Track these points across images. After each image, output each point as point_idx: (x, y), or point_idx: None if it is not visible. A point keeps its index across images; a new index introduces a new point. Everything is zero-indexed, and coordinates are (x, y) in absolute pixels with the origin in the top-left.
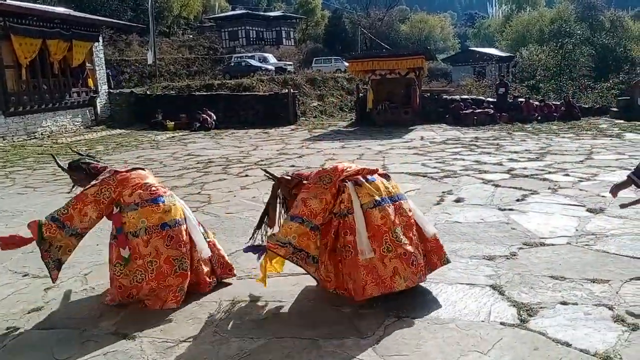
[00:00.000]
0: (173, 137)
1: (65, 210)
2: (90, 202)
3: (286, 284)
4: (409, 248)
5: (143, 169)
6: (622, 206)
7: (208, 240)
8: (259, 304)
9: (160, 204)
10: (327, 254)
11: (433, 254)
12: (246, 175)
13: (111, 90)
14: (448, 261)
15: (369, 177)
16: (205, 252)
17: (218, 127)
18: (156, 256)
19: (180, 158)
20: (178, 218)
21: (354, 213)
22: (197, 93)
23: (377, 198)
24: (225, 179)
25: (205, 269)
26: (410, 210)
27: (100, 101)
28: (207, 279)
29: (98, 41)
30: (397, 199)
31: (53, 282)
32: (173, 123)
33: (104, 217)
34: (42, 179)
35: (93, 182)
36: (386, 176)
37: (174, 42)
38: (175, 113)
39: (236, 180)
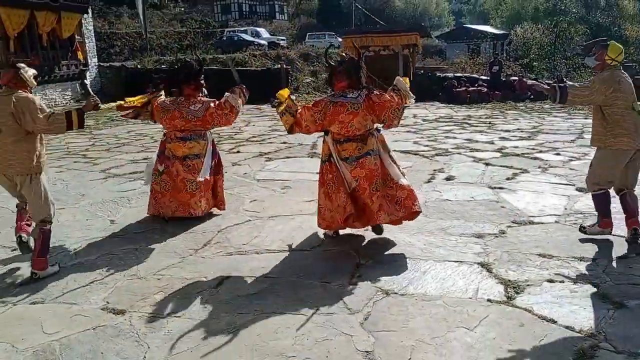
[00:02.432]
0: None
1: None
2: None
3: (275, 260)
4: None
5: None
6: None
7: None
8: (248, 279)
9: (187, 142)
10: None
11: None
12: (238, 152)
13: (101, 64)
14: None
15: (342, 136)
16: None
17: None
18: (176, 175)
19: None
20: (197, 152)
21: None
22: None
23: (345, 156)
24: None
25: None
26: (375, 164)
27: (91, 74)
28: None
29: (87, 13)
30: (363, 155)
31: None
32: None
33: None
34: None
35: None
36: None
37: (165, 15)
38: (166, 88)
39: (228, 156)
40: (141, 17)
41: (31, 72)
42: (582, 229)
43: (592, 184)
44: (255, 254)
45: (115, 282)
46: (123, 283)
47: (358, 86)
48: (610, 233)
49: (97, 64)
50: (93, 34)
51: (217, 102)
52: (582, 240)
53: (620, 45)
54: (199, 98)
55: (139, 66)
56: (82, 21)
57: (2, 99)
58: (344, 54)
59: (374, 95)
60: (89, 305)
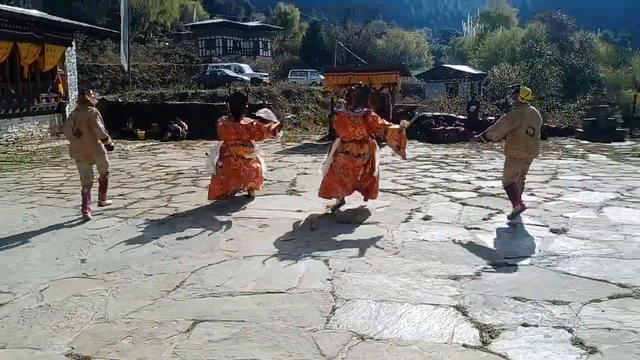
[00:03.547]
0: (143, 146)
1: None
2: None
3: (250, 302)
4: (345, 179)
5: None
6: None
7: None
8: (221, 323)
9: (244, 147)
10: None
11: (369, 190)
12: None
13: None
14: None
15: (347, 139)
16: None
17: (190, 138)
18: (238, 167)
19: (149, 168)
20: (250, 155)
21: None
22: (170, 102)
23: (346, 150)
24: (194, 192)
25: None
26: (361, 163)
27: (70, 107)
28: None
29: (71, 46)
30: (356, 156)
31: None
32: (144, 132)
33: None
34: (4, 187)
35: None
36: (362, 141)
37: (149, 49)
38: (147, 122)
39: (206, 192)
40: (122, 50)
41: (95, 96)
42: (508, 217)
43: (505, 179)
44: (229, 296)
45: (81, 326)
46: (90, 327)
47: (365, 105)
48: (522, 209)
49: (77, 97)
50: (75, 67)
51: (255, 123)
52: (556, 283)
53: (528, 89)
54: (245, 118)
55: (119, 99)
56: (65, 54)
57: (81, 112)
58: (360, 82)
59: (371, 116)
60: (53, 350)
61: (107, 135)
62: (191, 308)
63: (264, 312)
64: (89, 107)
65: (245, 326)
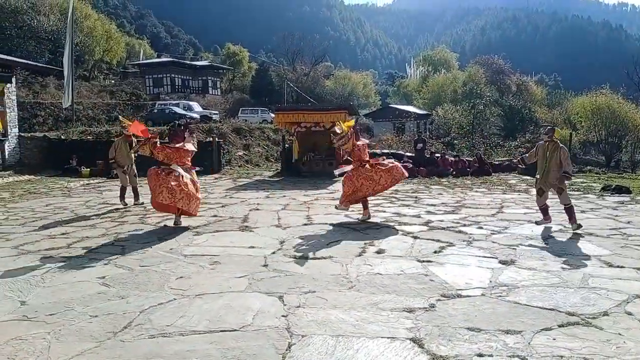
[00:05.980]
0: (88, 184)
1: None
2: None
3: (202, 342)
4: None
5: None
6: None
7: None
8: None
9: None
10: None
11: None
12: (165, 226)
13: (22, 134)
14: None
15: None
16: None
17: (138, 175)
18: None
19: (94, 207)
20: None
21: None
22: (116, 139)
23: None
24: (141, 230)
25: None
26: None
27: (9, 145)
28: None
29: (11, 82)
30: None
31: None
32: (89, 170)
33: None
34: None
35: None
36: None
37: (94, 86)
38: (92, 159)
39: (154, 231)
40: (67, 87)
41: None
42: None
43: (568, 201)
44: (180, 336)
45: None
46: None
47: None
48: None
49: (17, 134)
50: (15, 104)
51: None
52: (508, 313)
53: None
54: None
55: (62, 137)
56: (5, 90)
57: (122, 138)
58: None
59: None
60: None
61: (114, 157)
62: (140, 349)
63: (217, 352)
64: (127, 138)
65: None
